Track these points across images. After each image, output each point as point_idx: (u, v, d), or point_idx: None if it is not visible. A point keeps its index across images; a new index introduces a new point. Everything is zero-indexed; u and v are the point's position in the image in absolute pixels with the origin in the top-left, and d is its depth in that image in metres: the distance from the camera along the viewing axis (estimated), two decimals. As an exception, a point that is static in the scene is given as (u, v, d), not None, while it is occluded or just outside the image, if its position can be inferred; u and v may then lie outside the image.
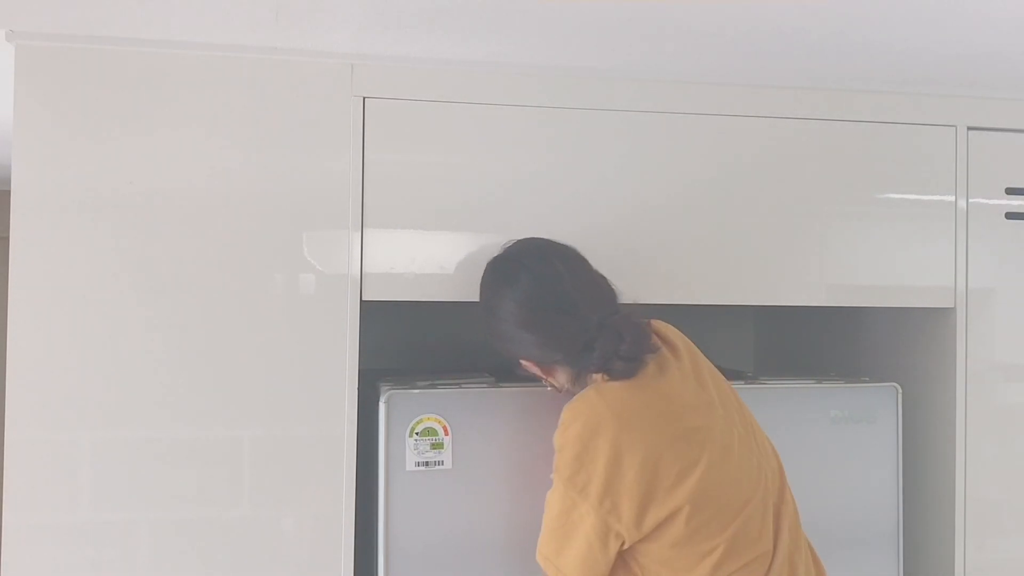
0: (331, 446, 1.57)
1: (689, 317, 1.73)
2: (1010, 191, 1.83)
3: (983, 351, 1.82)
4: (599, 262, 1.51)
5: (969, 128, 1.82)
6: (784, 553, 1.44)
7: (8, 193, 1.51)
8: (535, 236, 1.55)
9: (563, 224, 1.60)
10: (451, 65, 1.62)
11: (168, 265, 1.53)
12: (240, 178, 1.56)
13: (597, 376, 1.44)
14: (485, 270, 1.53)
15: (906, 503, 1.78)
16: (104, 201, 1.52)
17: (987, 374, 1.82)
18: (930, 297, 1.81)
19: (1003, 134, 1.83)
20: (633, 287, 1.53)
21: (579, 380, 1.47)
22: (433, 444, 1.56)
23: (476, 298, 1.54)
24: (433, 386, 1.59)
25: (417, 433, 1.56)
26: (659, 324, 1.54)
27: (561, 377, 1.49)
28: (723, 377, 1.54)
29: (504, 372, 1.63)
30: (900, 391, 1.76)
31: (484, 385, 1.63)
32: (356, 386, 1.58)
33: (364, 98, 1.60)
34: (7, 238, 1.48)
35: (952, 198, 1.81)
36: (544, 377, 1.51)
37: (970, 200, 1.81)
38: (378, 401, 1.57)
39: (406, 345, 2.21)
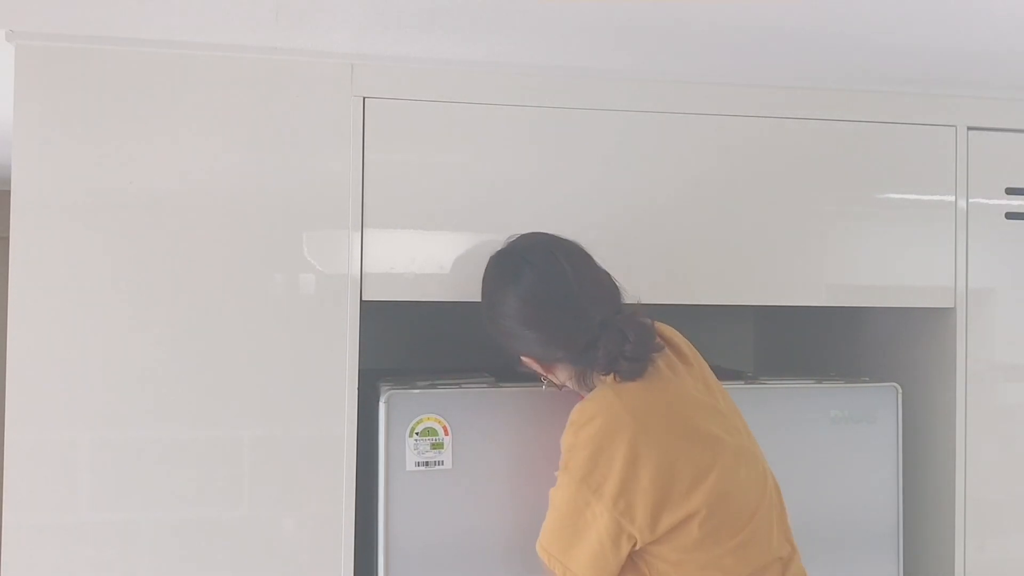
0: (331, 446, 1.57)
1: (689, 317, 1.73)
2: (1010, 191, 1.83)
3: (983, 351, 1.82)
4: (599, 262, 1.51)
5: (969, 128, 1.82)
6: (796, 565, 1.45)
7: (8, 193, 1.51)
8: (539, 231, 1.54)
9: (563, 224, 1.60)
10: (451, 65, 1.62)
11: (168, 265, 1.53)
12: (240, 178, 1.56)
13: (606, 377, 1.43)
14: (488, 264, 1.52)
15: (906, 503, 1.78)
16: (104, 201, 1.52)
17: (987, 374, 1.82)
18: (930, 297, 1.81)
19: (1003, 134, 1.83)
20: (633, 287, 1.53)
21: (582, 378, 1.46)
22: (433, 444, 1.56)
23: (477, 298, 1.54)
24: (433, 386, 1.59)
25: (417, 433, 1.56)
26: (662, 327, 1.53)
27: (562, 375, 1.48)
28: (719, 383, 1.54)
29: (504, 372, 1.63)
30: (900, 391, 1.76)
31: (484, 385, 1.62)
32: (356, 386, 1.58)
33: (364, 98, 1.60)
34: (7, 238, 1.48)
35: (952, 198, 1.81)
36: (545, 374, 1.51)
37: (970, 200, 1.82)
38: (378, 401, 1.57)
39: (406, 345, 2.21)
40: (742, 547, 1.38)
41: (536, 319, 1.44)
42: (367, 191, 1.59)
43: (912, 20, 1.42)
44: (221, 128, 1.55)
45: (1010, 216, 1.83)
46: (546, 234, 1.52)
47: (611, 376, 1.41)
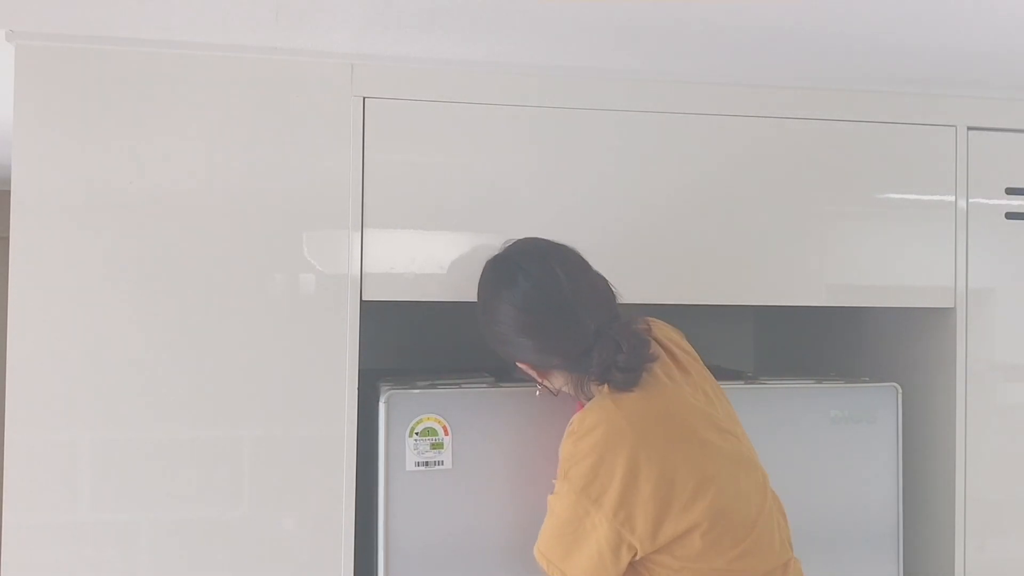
0: (331, 446, 1.57)
1: (689, 317, 1.73)
2: (1010, 191, 1.83)
3: (983, 351, 1.82)
4: (598, 262, 1.50)
5: (969, 128, 1.82)
6: (795, 569, 1.45)
7: (8, 193, 1.51)
8: (535, 236, 1.54)
9: (563, 224, 1.60)
10: (450, 65, 1.62)
11: (168, 265, 1.53)
12: (240, 178, 1.56)
13: (603, 386, 1.42)
14: (484, 269, 1.52)
15: (906, 503, 1.78)
16: (104, 201, 1.52)
17: (987, 374, 1.82)
18: (930, 297, 1.81)
19: (1003, 134, 1.83)
20: (633, 287, 1.53)
21: (580, 386, 1.45)
22: (433, 444, 1.56)
23: (475, 298, 1.54)
24: (433, 386, 1.59)
25: (417, 433, 1.56)
26: (657, 324, 1.53)
27: (558, 381, 1.48)
28: (714, 379, 1.53)
29: (504, 372, 1.63)
30: (900, 391, 1.76)
31: (484, 385, 1.62)
32: (356, 386, 1.58)
33: (364, 98, 1.60)
34: (7, 238, 1.48)
35: (952, 198, 1.81)
36: (540, 380, 1.50)
37: (970, 200, 1.82)
38: (378, 401, 1.57)
39: (406, 345, 2.21)
40: (745, 555, 1.38)
41: (530, 327, 1.43)
42: (367, 191, 1.59)
43: (912, 20, 1.42)
44: (221, 128, 1.55)
45: (1010, 216, 1.83)
46: (541, 240, 1.52)
47: (607, 386, 1.41)
